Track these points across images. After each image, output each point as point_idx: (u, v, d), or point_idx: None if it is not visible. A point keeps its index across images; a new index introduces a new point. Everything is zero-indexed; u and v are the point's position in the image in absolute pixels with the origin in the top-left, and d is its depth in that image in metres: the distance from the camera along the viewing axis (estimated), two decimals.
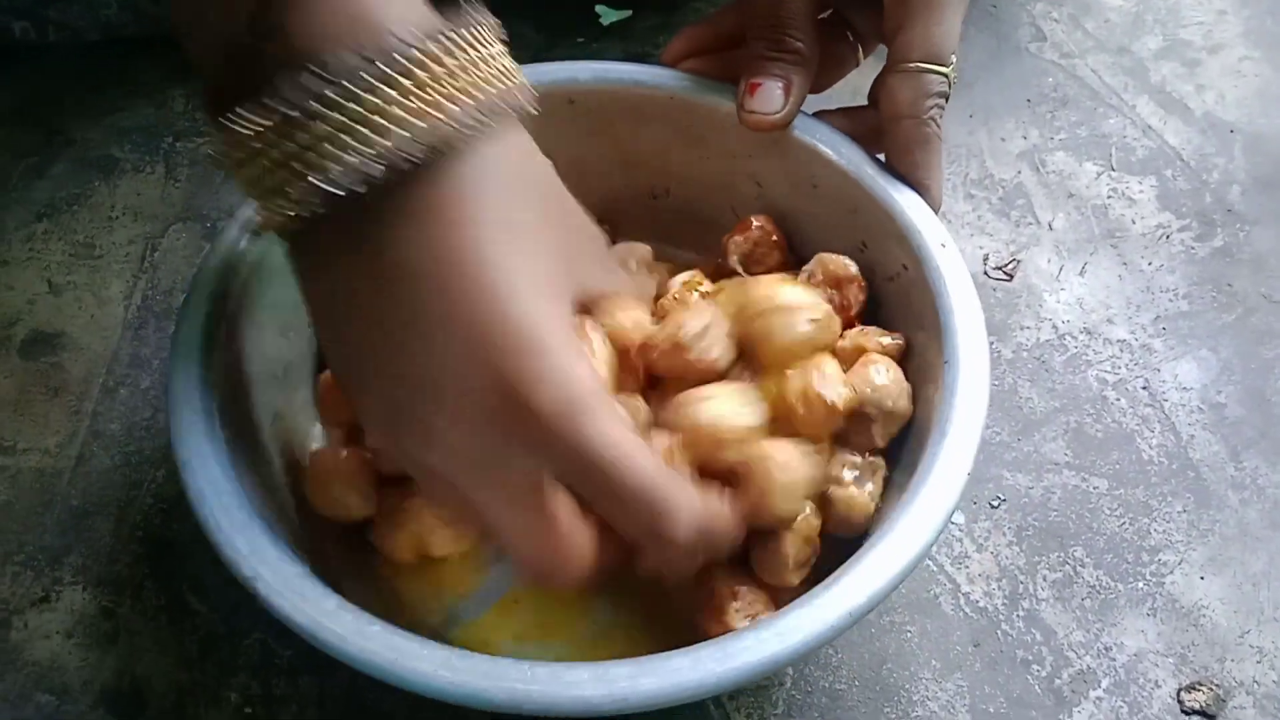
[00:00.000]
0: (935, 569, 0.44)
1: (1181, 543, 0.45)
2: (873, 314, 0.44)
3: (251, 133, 0.30)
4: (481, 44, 0.33)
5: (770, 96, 0.43)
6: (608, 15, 0.63)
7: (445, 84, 0.31)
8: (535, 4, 0.63)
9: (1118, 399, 0.49)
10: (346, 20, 0.30)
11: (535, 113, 0.35)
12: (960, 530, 0.45)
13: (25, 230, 0.54)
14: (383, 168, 0.30)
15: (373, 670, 0.32)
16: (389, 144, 0.30)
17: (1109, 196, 0.56)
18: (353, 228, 0.31)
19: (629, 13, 0.63)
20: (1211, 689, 0.42)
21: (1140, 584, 0.44)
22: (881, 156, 0.43)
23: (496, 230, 0.32)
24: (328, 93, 0.30)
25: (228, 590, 0.42)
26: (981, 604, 0.43)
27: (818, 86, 0.46)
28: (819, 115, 0.45)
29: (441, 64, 0.31)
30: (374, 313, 0.32)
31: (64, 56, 0.60)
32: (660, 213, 0.48)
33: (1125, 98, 0.60)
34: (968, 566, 0.44)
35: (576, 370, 0.32)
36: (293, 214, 0.31)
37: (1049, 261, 0.54)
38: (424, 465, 0.33)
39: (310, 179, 0.30)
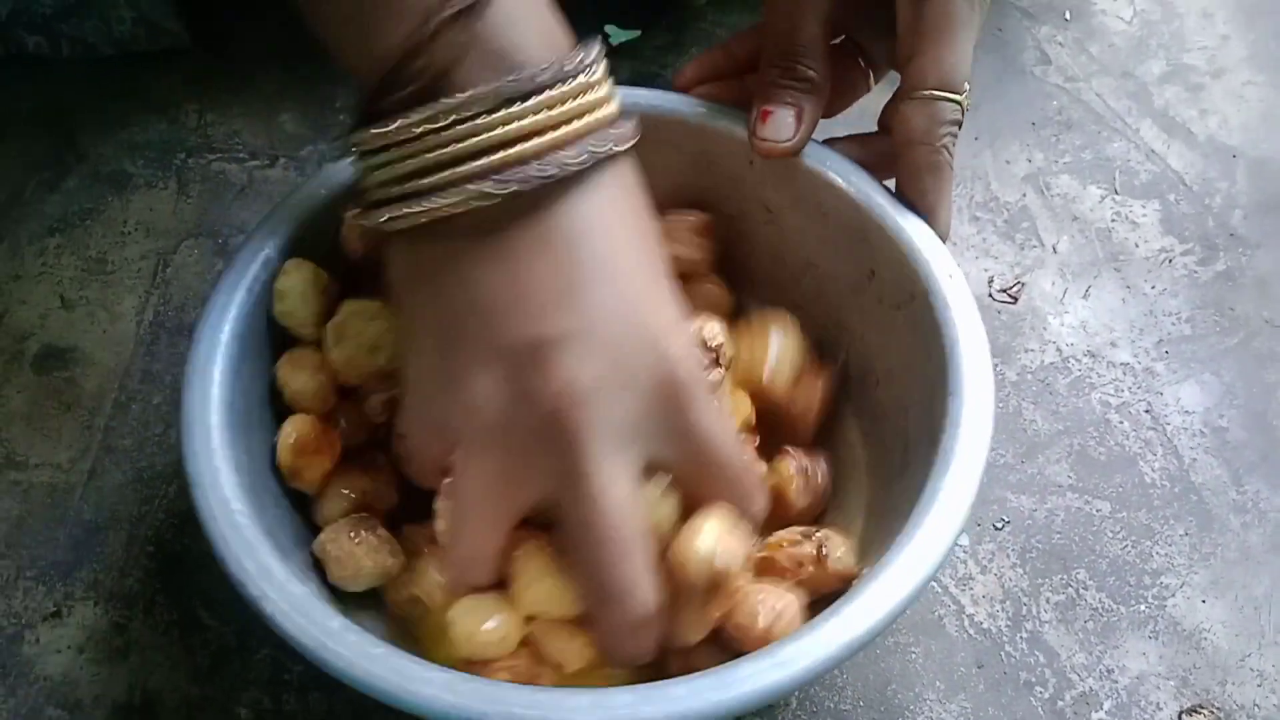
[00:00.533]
0: (939, 590, 0.45)
1: (1183, 566, 0.46)
2: (880, 344, 0.44)
3: (418, 131, 0.34)
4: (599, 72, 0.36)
5: (782, 124, 0.44)
6: (616, 35, 0.63)
7: (596, 109, 0.35)
8: None
9: (1121, 422, 0.50)
10: (497, 57, 0.34)
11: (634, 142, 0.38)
12: (964, 552, 0.46)
13: (38, 244, 0.54)
14: (554, 171, 0.34)
15: (376, 692, 0.32)
16: (566, 154, 0.34)
17: (1113, 220, 0.57)
18: (526, 211, 0.35)
19: (638, 33, 0.63)
20: (1213, 712, 0.42)
21: (1142, 607, 0.45)
22: (892, 183, 0.44)
23: (636, 227, 0.37)
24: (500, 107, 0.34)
25: (239, 605, 0.42)
26: (985, 625, 0.44)
27: (828, 112, 0.46)
28: (829, 142, 0.45)
29: (589, 90, 0.35)
30: (533, 271, 0.35)
31: (77, 71, 0.60)
32: None
33: (1129, 121, 0.61)
34: (972, 588, 0.45)
35: (697, 352, 0.38)
36: (460, 208, 0.34)
37: (1053, 284, 0.54)
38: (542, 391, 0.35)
39: (494, 178, 0.34)
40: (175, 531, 0.45)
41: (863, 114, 0.47)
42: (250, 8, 0.63)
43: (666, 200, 0.48)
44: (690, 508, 0.37)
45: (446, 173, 0.34)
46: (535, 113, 0.34)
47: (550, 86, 0.34)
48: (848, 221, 0.43)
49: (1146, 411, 0.50)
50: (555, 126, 0.34)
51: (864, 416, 0.45)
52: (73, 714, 0.41)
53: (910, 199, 0.43)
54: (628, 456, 0.35)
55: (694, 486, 0.37)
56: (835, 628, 0.33)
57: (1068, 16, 0.66)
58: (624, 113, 0.37)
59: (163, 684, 0.42)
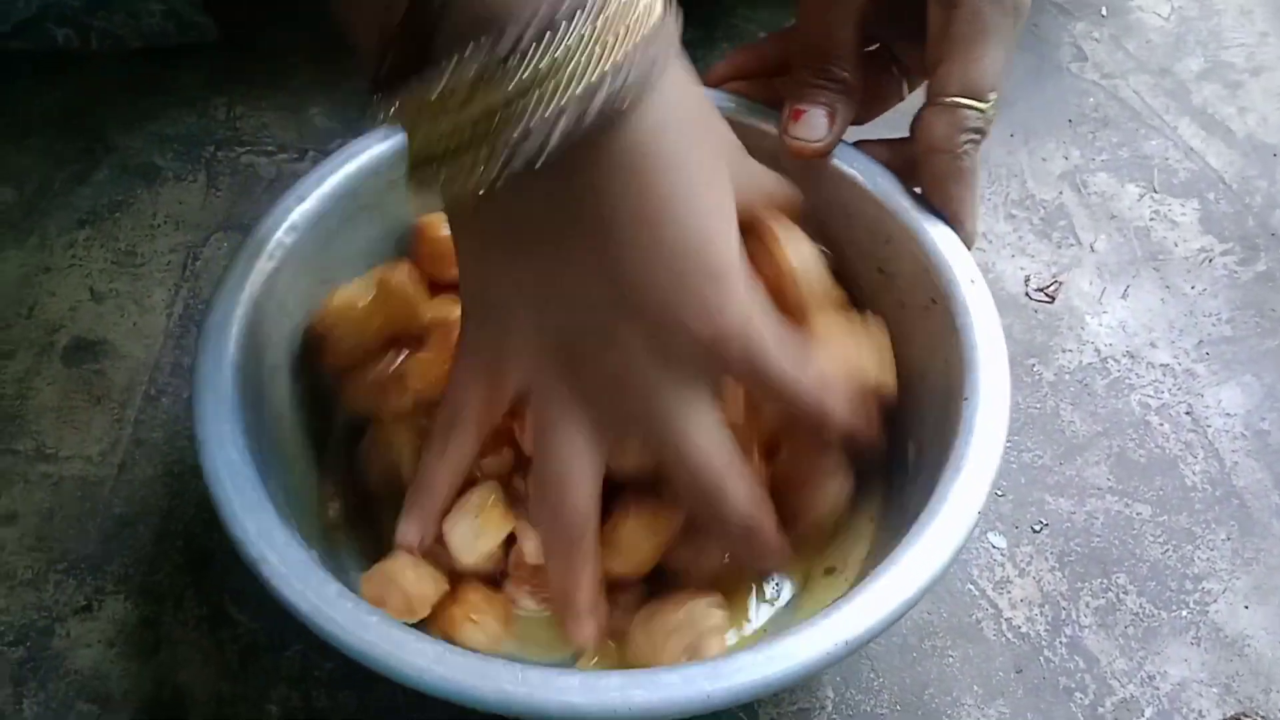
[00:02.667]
0: (977, 593, 0.44)
1: (1225, 571, 0.45)
2: (900, 347, 0.43)
3: (447, 90, 0.30)
4: None
5: (814, 124, 0.43)
6: None
7: (628, 25, 0.31)
8: None
9: (1161, 424, 0.49)
10: None
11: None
12: (1002, 554, 0.45)
13: (67, 237, 0.54)
14: (595, 109, 0.30)
15: (367, 660, 0.32)
16: (597, 87, 0.30)
17: (1151, 219, 0.56)
18: (554, 173, 0.32)
19: None
20: None
21: (1184, 612, 0.44)
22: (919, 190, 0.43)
23: (687, 166, 0.34)
24: (527, 44, 0.30)
25: (269, 601, 0.42)
26: (1024, 630, 0.43)
27: (862, 118, 0.46)
28: (859, 145, 0.44)
29: (613, 7, 0.31)
30: (578, 241, 0.34)
31: (106, 64, 0.60)
32: None
33: (1167, 119, 0.60)
34: (1010, 591, 0.44)
35: (752, 301, 0.36)
36: (499, 166, 0.31)
37: (1091, 284, 0.53)
38: (595, 373, 0.36)
39: (524, 124, 0.30)
40: (205, 526, 0.45)
41: (906, 118, 0.47)
42: (279, 1, 0.63)
43: None
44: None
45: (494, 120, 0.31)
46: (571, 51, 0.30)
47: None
48: (872, 224, 0.43)
49: (1187, 413, 0.49)
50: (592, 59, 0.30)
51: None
52: (103, 708, 0.41)
53: (935, 206, 0.42)
54: (695, 389, 0.36)
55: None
56: (832, 626, 0.33)
57: (1104, 13, 0.65)
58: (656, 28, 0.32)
59: (193, 679, 0.41)
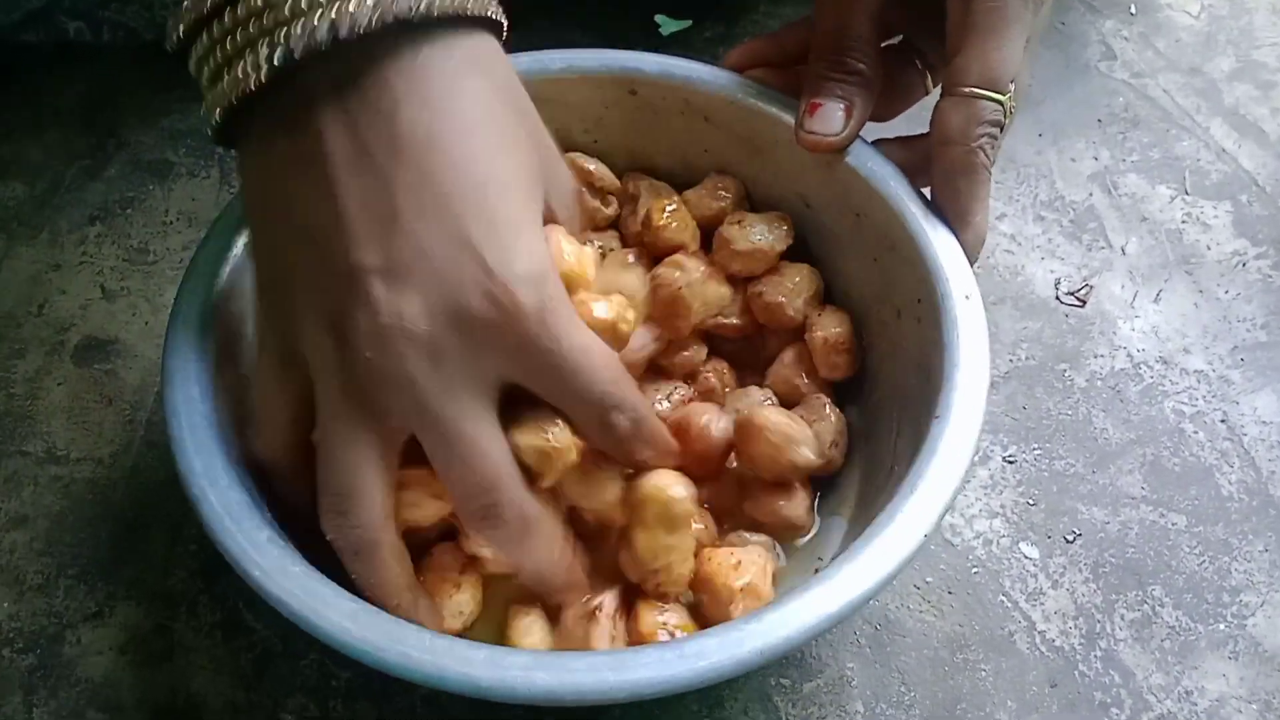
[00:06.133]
0: (1010, 605, 0.43)
1: (1264, 583, 0.44)
2: (889, 355, 0.43)
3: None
4: None
5: (831, 117, 0.42)
6: (667, 25, 0.62)
7: None
8: (594, 13, 0.62)
9: (1195, 432, 0.48)
10: None
11: (501, 21, 0.35)
12: (1035, 565, 0.44)
13: (78, 233, 0.53)
14: (346, 30, 0.31)
15: (282, 608, 0.32)
16: (351, 8, 0.31)
17: (1183, 221, 0.55)
18: (320, 94, 0.32)
19: (689, 23, 0.62)
20: None
21: (1221, 625, 0.43)
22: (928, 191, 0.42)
23: (481, 121, 0.34)
24: None
25: None
26: (1058, 643, 0.42)
27: (885, 114, 0.45)
28: (876, 144, 0.43)
29: None
30: (351, 192, 0.32)
31: (119, 58, 0.59)
32: None
33: (1198, 119, 0.59)
34: (1043, 603, 0.43)
35: (549, 268, 0.34)
36: (264, 71, 0.31)
37: (1122, 287, 0.52)
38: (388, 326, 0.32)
39: (284, 33, 0.31)
40: None
41: (928, 113, 0.46)
42: None
43: (707, 175, 0.47)
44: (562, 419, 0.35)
45: (258, 45, 0.31)
46: None
47: None
48: (879, 228, 0.42)
49: (1222, 421, 0.48)
50: None
51: (863, 430, 0.44)
52: (114, 717, 0.40)
53: (942, 201, 0.41)
54: (474, 389, 0.33)
55: (555, 401, 0.34)
56: (750, 632, 0.32)
57: (1133, 10, 0.64)
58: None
59: (206, 688, 0.40)
